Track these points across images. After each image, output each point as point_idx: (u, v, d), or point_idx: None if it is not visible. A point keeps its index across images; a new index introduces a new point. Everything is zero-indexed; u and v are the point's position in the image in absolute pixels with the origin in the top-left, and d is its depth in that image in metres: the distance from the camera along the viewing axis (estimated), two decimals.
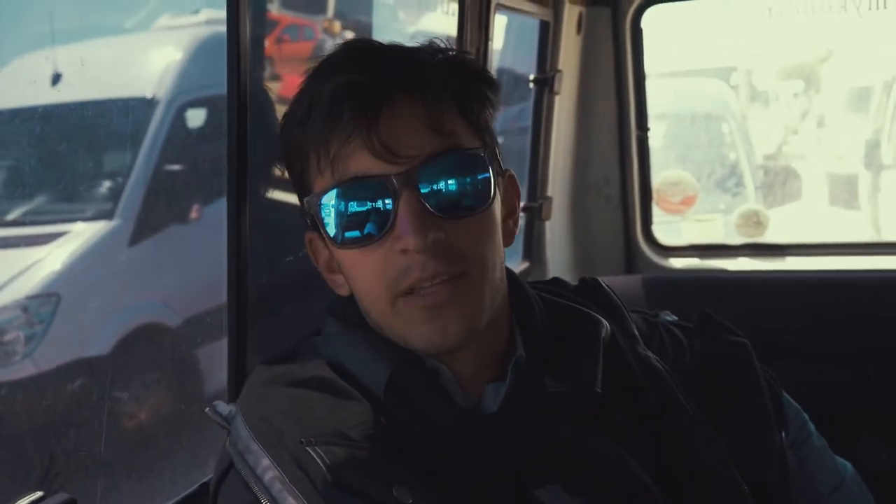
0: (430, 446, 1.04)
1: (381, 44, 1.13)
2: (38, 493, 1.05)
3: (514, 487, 1.04)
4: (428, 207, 1.03)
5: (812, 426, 1.37)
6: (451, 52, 1.11)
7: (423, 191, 1.03)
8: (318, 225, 1.09)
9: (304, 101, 1.08)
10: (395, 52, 1.10)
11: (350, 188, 1.05)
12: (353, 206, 1.05)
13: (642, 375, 1.17)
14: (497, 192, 1.10)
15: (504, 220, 1.14)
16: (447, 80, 1.08)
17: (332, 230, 1.07)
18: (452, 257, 1.04)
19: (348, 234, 1.06)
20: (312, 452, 0.99)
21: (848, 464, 1.38)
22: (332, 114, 1.03)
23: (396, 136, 1.03)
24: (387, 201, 1.03)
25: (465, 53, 1.14)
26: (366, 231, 1.05)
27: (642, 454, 1.10)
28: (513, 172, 1.19)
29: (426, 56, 1.09)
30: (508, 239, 1.16)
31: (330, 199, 1.06)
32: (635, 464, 1.08)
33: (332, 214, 1.06)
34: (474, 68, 1.17)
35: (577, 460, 1.06)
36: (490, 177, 1.08)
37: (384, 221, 1.04)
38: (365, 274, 1.07)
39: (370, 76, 1.04)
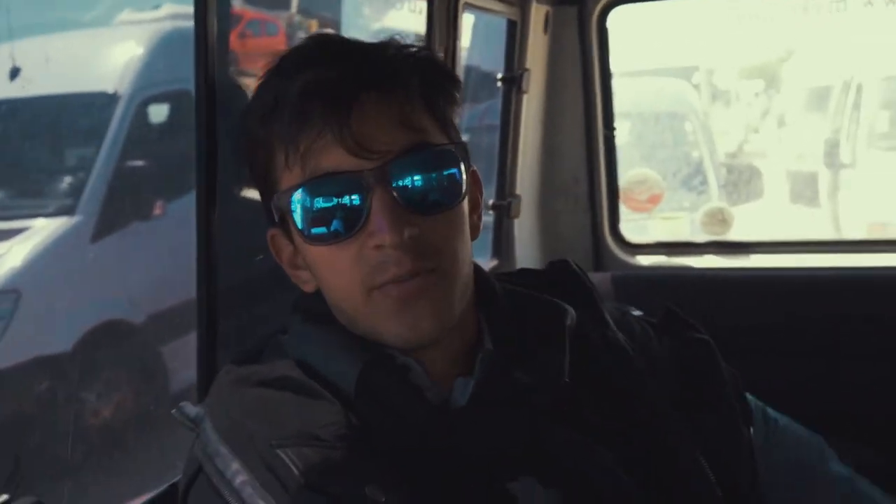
0: (400, 442, 1.03)
1: (346, 39, 1.11)
2: (4, 497, 1.03)
3: (486, 481, 1.03)
4: (401, 203, 1.03)
5: (770, 410, 1.36)
6: (414, 49, 1.10)
7: (396, 186, 1.03)
8: (286, 220, 1.08)
9: (268, 95, 1.06)
10: (363, 49, 1.09)
11: (322, 184, 1.03)
12: (326, 202, 1.04)
13: (611, 361, 1.17)
14: (467, 187, 1.10)
15: (469, 214, 1.13)
16: (414, 77, 1.07)
17: (302, 226, 1.06)
18: (426, 253, 1.04)
19: (320, 230, 1.05)
20: (283, 455, 0.98)
21: (817, 436, 1.38)
22: (303, 111, 1.02)
23: (369, 132, 1.02)
24: (360, 197, 1.02)
25: (428, 50, 1.13)
26: (338, 227, 1.04)
27: (613, 444, 1.09)
28: (475, 168, 1.18)
29: (393, 52, 1.09)
30: (475, 233, 1.15)
31: (301, 195, 1.04)
32: (607, 454, 1.08)
33: (304, 210, 1.05)
34: (439, 65, 1.17)
35: (548, 453, 1.06)
36: (461, 172, 1.08)
37: (357, 217, 1.03)
38: (338, 270, 1.06)
39: (340, 73, 1.03)
